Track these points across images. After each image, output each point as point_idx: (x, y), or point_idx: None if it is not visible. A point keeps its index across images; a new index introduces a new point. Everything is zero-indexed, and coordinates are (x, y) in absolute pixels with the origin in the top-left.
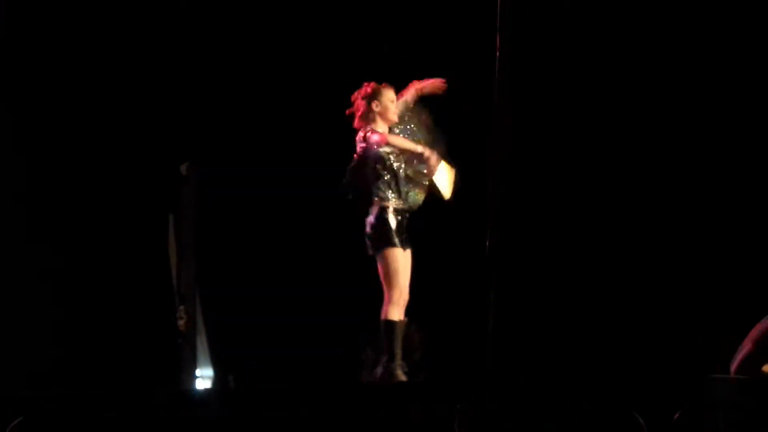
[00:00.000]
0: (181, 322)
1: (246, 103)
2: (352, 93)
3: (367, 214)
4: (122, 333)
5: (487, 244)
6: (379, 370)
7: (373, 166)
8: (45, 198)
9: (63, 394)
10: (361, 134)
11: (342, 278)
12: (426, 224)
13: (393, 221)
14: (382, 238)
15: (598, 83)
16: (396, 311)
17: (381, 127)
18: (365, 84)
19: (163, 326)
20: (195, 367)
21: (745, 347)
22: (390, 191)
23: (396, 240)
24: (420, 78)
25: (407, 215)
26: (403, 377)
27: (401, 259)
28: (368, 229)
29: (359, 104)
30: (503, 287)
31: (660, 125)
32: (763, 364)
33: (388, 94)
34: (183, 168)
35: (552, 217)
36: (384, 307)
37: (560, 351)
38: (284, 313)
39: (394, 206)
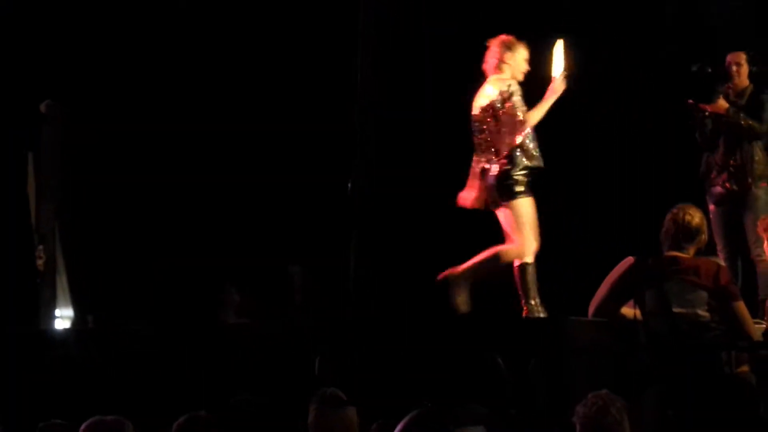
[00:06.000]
0: (39, 262)
1: (109, 39)
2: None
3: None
4: None
5: None
6: (523, 309)
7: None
8: None
9: None
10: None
11: (198, 215)
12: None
13: (523, 172)
14: (513, 186)
15: None
16: (529, 256)
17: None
18: (503, 35)
19: (22, 266)
20: (54, 307)
21: (603, 291)
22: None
23: (527, 189)
24: None
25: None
26: (543, 313)
27: (533, 208)
28: (496, 179)
29: (496, 51)
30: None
31: None
32: (619, 307)
33: (523, 52)
34: (43, 106)
35: None
36: (514, 252)
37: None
38: (144, 253)
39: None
